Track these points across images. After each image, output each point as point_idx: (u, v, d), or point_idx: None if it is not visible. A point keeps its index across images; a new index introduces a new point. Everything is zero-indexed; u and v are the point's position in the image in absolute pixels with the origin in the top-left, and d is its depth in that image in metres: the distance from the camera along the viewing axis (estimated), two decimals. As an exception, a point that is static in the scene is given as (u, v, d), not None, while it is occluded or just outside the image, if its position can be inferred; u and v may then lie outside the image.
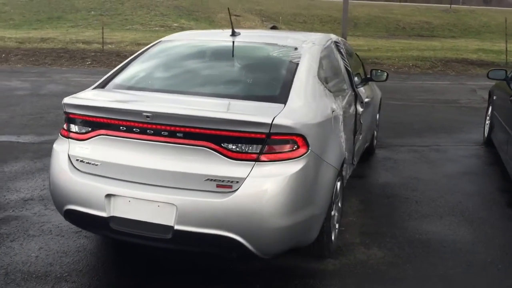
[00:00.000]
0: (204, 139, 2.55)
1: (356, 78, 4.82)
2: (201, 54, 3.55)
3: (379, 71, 5.13)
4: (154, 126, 2.58)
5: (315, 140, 2.79)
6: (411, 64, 14.76)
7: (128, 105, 2.70)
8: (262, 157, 2.54)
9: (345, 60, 4.16)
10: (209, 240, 2.54)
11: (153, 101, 2.85)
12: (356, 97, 4.20)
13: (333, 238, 3.29)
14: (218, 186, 2.53)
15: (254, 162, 2.53)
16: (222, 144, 2.54)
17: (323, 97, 3.18)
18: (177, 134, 2.56)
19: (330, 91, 3.39)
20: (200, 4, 28.19)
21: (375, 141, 5.93)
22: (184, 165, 2.57)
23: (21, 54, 13.79)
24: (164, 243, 2.64)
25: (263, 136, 2.53)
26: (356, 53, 5.06)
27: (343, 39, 4.68)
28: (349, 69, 4.18)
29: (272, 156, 2.57)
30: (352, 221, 3.95)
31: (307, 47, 3.46)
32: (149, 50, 3.61)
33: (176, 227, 2.53)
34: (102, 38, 15.73)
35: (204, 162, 2.55)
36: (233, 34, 3.66)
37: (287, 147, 2.61)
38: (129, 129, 2.64)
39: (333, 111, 3.19)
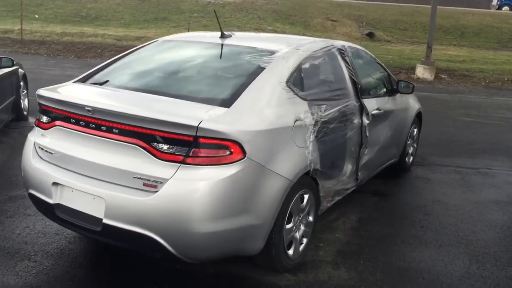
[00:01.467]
0: (136, 137, 2.60)
1: (377, 89, 4.59)
2: (179, 55, 3.61)
3: (405, 83, 4.79)
4: (95, 121, 2.70)
5: (257, 148, 2.71)
6: (505, 79, 13.40)
7: (76, 99, 2.84)
8: (189, 160, 2.53)
9: (350, 69, 3.94)
10: (132, 238, 2.59)
11: (106, 96, 2.97)
12: (362, 109, 3.97)
13: (291, 252, 3.16)
14: (144, 184, 2.57)
15: (179, 164, 2.53)
16: (151, 144, 2.57)
17: (286, 105, 3.06)
18: (113, 130, 2.65)
19: (305, 99, 3.25)
20: (299, 9, 28.29)
21: (410, 158, 5.53)
22: (116, 160, 2.65)
23: (114, 50, 14.96)
24: (96, 236, 2.75)
25: (191, 138, 2.52)
26: (380, 63, 4.76)
27: (357, 47, 4.42)
28: (355, 78, 3.96)
29: (199, 160, 2.54)
30: (336, 238, 3.75)
31: (286, 52, 3.35)
32: (142, 47, 3.76)
33: (104, 220, 2.62)
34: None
35: (134, 160, 2.61)
36: (222, 36, 3.67)
37: (218, 152, 2.57)
38: (77, 122, 2.79)
39: (297, 120, 3.06)
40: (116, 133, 2.65)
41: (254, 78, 3.00)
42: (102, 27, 22.73)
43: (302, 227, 3.29)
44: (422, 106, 5.65)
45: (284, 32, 23.61)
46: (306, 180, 3.18)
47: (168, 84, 3.14)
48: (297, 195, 3.09)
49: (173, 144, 2.55)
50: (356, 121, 3.94)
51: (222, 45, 3.56)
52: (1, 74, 5.78)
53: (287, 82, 3.16)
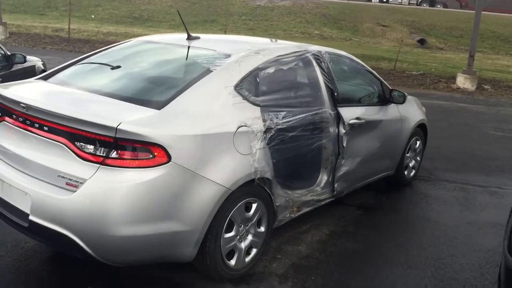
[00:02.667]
0: (62, 135, 2.61)
1: (362, 98, 4.39)
2: (139, 55, 3.59)
3: (398, 92, 4.53)
4: (29, 118, 2.74)
5: (186, 153, 2.64)
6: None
7: (15, 96, 2.89)
8: (108, 161, 2.50)
9: (325, 76, 3.77)
10: (54, 236, 2.59)
11: (46, 94, 3.00)
12: (339, 117, 3.79)
13: (233, 262, 3.05)
14: (67, 183, 2.56)
15: (99, 165, 2.51)
16: (75, 143, 2.57)
17: (230, 110, 2.96)
18: (44, 127, 2.68)
19: (257, 105, 3.14)
20: (349, 13, 27.80)
21: (411, 172, 5.23)
22: (45, 158, 2.67)
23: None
24: (25, 232, 2.77)
25: (111, 140, 2.49)
26: (370, 71, 4.52)
27: (340, 53, 4.21)
28: (330, 85, 3.78)
29: (119, 162, 2.51)
30: (297, 251, 3.59)
31: (242, 56, 3.25)
32: (113, 46, 3.78)
33: (30, 216, 2.64)
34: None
35: (59, 158, 2.61)
36: (189, 38, 3.63)
37: (139, 155, 2.52)
38: (17, 118, 2.84)
39: (241, 126, 2.96)
40: (46, 130, 2.67)
41: (197, 81, 2.93)
42: (152, 28, 23.42)
43: (250, 237, 3.18)
44: (449, 118, 5.34)
45: (331, 37, 23.28)
46: (253, 189, 3.06)
47: (113, 84, 3.13)
48: (239, 204, 2.98)
49: (94, 145, 2.53)
50: (332, 130, 3.77)
51: (183, 47, 3.52)
52: (15, 70, 6.05)
53: (236, 86, 3.06)
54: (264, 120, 3.14)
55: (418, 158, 5.34)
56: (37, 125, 2.71)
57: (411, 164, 5.21)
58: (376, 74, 4.53)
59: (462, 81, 12.34)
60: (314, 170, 3.83)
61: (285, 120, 3.30)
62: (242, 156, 2.94)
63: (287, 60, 3.53)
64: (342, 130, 3.84)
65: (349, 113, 3.93)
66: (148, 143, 2.52)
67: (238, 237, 3.08)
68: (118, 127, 2.46)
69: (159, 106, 2.74)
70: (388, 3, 34.59)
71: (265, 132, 3.13)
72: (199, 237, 2.77)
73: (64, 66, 3.53)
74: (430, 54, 20.03)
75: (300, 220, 3.95)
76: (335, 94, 3.83)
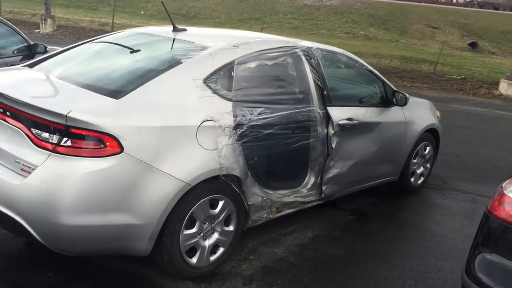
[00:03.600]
0: (21, 121, 2.64)
1: (358, 98, 4.20)
2: (125, 45, 3.58)
3: (401, 94, 4.30)
4: (1, 105, 2.78)
5: (140, 144, 2.61)
6: None
7: None
8: (59, 149, 2.51)
9: (315, 73, 3.64)
10: (6, 220, 2.62)
11: (19, 81, 3.05)
12: (329, 118, 3.65)
13: (194, 260, 2.99)
14: (21, 169, 2.59)
15: (50, 152, 2.51)
16: (31, 129, 2.59)
17: (196, 103, 2.90)
18: (7, 113, 2.72)
19: (229, 100, 3.06)
20: (398, 14, 27.03)
21: (419, 179, 4.97)
22: (6, 143, 2.71)
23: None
24: None
25: (62, 127, 2.49)
26: (372, 70, 4.30)
27: (335, 50, 4.03)
28: (320, 84, 3.64)
29: (70, 150, 2.50)
30: (273, 253, 3.48)
31: (219, 49, 3.18)
32: (105, 36, 3.81)
33: None
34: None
35: (17, 144, 2.65)
36: (174, 30, 3.60)
37: (91, 144, 2.51)
38: None
39: (207, 121, 2.88)
40: (8, 116, 2.72)
41: (163, 73, 2.89)
42: (197, 25, 23.73)
43: (216, 235, 3.11)
44: (482, 125, 5.06)
45: (376, 38, 22.72)
46: (218, 186, 2.98)
47: (85, 73, 3.15)
48: (202, 200, 2.92)
49: (48, 132, 2.54)
50: (320, 130, 3.63)
51: (165, 38, 3.49)
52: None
53: (206, 79, 3.00)
54: (235, 116, 3.05)
55: (428, 165, 5.07)
56: (1, 110, 2.76)
57: (418, 171, 4.95)
58: (378, 74, 4.32)
59: (505, 88, 11.67)
60: (299, 170, 3.71)
61: (261, 117, 3.21)
62: (205, 151, 2.87)
63: (271, 55, 3.42)
64: (331, 131, 3.69)
65: (340, 113, 3.77)
66: (99, 132, 2.50)
67: (201, 234, 3.01)
68: (68, 115, 2.45)
69: (119, 95, 2.72)
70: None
71: (235, 128, 3.04)
72: (154, 232, 2.73)
73: (55, 53, 3.59)
74: (479, 59, 19.12)
75: (285, 221, 3.85)
76: (325, 92, 3.68)
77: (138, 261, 3.07)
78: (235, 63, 3.18)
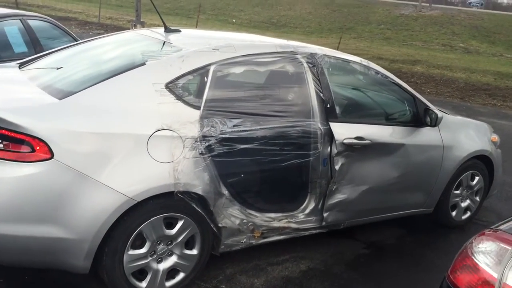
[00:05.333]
0: None
1: (378, 114, 3.64)
2: (112, 45, 3.37)
3: (433, 112, 3.61)
4: None
5: (75, 151, 2.38)
6: None
7: None
8: None
9: (317, 83, 3.17)
10: None
11: None
12: (332, 135, 3.17)
13: (144, 284, 2.69)
14: None
15: None
16: None
17: (152, 109, 2.59)
18: None
19: (197, 108, 2.72)
20: (507, 27, 24.62)
21: (465, 213, 4.22)
22: None
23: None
24: None
25: None
26: (400, 84, 3.67)
27: (348, 58, 3.47)
28: (322, 95, 3.16)
29: None
30: (249, 284, 3.06)
31: (192, 52, 2.85)
32: (107, 36, 3.67)
33: None
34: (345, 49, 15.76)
35: None
36: (166, 30, 3.34)
37: (18, 147, 2.32)
38: None
39: (162, 130, 2.57)
40: None
41: (118, 74, 2.63)
42: (285, 33, 23.59)
43: (174, 259, 2.77)
44: None
45: (477, 51, 20.84)
46: (176, 203, 2.65)
47: (55, 74, 2.98)
48: (153, 218, 2.61)
49: None
50: (321, 148, 3.16)
51: (151, 39, 3.23)
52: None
53: (169, 83, 2.69)
54: (201, 126, 2.71)
55: (477, 198, 4.28)
56: None
57: (463, 204, 4.19)
58: (408, 88, 3.69)
59: None
60: (296, 193, 3.26)
61: (237, 129, 2.82)
62: (157, 163, 2.56)
63: (260, 60, 3.03)
64: (334, 150, 3.19)
65: (347, 131, 3.25)
66: (27, 135, 2.30)
67: (154, 255, 2.70)
68: None
69: (64, 95, 2.51)
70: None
71: (200, 140, 2.69)
72: (91, 249, 2.47)
73: (48, 53, 3.52)
74: None
75: (282, 247, 3.41)
76: (328, 106, 3.19)
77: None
78: (212, 67, 2.83)
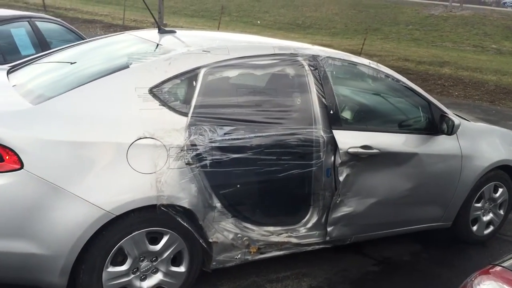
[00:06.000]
0: None
1: (387, 121, 3.37)
2: (104, 48, 3.19)
3: (449, 119, 3.31)
4: None
5: (49, 161, 2.21)
6: None
7: None
8: None
9: (319, 88, 2.93)
10: None
11: None
12: (336, 144, 2.92)
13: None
14: None
15: None
16: None
17: (133, 116, 2.41)
18: None
19: (185, 115, 2.52)
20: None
21: (488, 228, 3.89)
22: None
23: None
24: None
25: None
26: (413, 88, 3.36)
27: (354, 60, 3.18)
28: (324, 101, 2.92)
29: None
30: None
31: (180, 54, 2.65)
32: (103, 37, 3.51)
33: None
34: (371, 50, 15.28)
35: None
36: (160, 31, 3.15)
37: None
38: None
39: (142, 138, 2.38)
40: None
41: (98, 79, 2.46)
42: (309, 34, 23.27)
43: (159, 276, 2.59)
44: None
45: (510, 53, 20.02)
46: (160, 217, 2.46)
47: (37, 77, 2.85)
48: (135, 233, 2.42)
49: None
50: (324, 157, 2.92)
51: (144, 41, 3.04)
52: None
53: (153, 88, 2.49)
54: (189, 134, 2.50)
55: (501, 211, 3.94)
56: None
57: (485, 218, 3.86)
58: (423, 93, 3.39)
59: None
60: (297, 205, 3.03)
61: (228, 137, 2.61)
62: (138, 174, 2.37)
63: (256, 63, 2.80)
64: (338, 160, 2.94)
65: (353, 139, 2.99)
66: (-3, 144, 2.15)
67: (137, 273, 2.52)
68: None
69: (39, 101, 2.35)
70: None
71: (187, 149, 2.49)
72: (66, 265, 2.30)
73: (40, 56, 3.39)
74: None
75: (283, 262, 3.18)
76: (331, 112, 2.95)
77: None
78: (202, 71, 2.63)
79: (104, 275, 2.40)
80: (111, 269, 2.42)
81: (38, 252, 2.24)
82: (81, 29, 11.88)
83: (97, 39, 3.48)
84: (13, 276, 2.34)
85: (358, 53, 15.48)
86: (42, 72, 2.95)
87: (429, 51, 18.46)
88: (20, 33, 5.04)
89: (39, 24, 5.35)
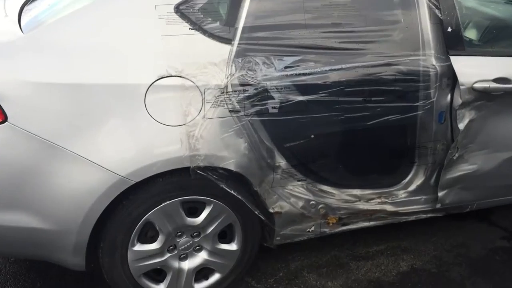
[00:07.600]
0: None
1: None
2: None
3: None
4: None
5: (40, 111, 1.65)
6: None
7: None
8: None
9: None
10: None
11: None
12: (453, 74, 2.03)
13: (162, 286, 1.98)
14: None
15: None
16: None
17: (152, 46, 1.74)
18: None
19: (228, 42, 1.80)
20: None
21: None
22: None
23: None
24: None
25: None
26: None
27: None
28: (440, 13, 1.99)
29: None
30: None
31: None
32: None
33: None
34: None
35: None
36: None
37: None
38: None
39: (166, 77, 1.71)
40: None
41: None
42: None
43: (204, 255, 2.01)
44: None
45: None
46: (198, 183, 1.83)
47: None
48: (166, 203, 1.83)
49: None
50: (435, 96, 2.06)
51: None
52: None
53: (181, 4, 1.77)
54: (234, 69, 1.78)
55: None
56: None
57: None
58: None
59: None
60: (394, 162, 2.25)
61: (292, 72, 1.84)
62: (162, 127, 1.72)
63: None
64: (458, 100, 2.04)
65: (481, 69, 2.07)
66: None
67: (175, 251, 1.96)
68: None
69: (33, 29, 1.79)
70: None
71: (231, 90, 1.78)
72: (79, 243, 1.80)
73: None
74: None
75: (379, 233, 2.46)
76: (449, 29, 2.00)
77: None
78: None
79: (129, 255, 1.88)
80: (138, 247, 1.88)
81: (42, 226, 1.75)
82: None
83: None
84: (25, 252, 1.92)
85: None
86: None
87: None
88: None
89: None
